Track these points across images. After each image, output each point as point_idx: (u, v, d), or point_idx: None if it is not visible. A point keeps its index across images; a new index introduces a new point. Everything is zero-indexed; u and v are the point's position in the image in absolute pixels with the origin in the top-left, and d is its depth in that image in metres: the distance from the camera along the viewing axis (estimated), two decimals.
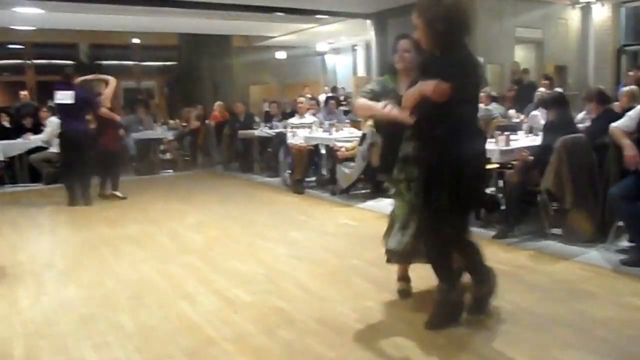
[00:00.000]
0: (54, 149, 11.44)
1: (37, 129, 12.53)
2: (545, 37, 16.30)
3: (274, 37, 20.49)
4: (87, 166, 9.62)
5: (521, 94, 12.52)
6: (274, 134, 12.08)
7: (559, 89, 10.58)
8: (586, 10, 16.22)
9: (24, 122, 13.01)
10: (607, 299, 4.50)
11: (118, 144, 10.43)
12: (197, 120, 14.73)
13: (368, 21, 16.67)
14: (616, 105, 7.20)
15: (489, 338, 3.83)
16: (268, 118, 13.48)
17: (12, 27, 17.15)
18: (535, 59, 16.59)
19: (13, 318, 4.64)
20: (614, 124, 5.58)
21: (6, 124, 13.16)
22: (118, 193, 10.08)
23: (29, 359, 3.88)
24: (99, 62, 19.47)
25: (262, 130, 12.64)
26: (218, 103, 15.70)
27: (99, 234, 7.50)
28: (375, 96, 4.25)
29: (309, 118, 10.98)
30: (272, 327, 4.21)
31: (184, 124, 15.27)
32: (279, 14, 15.93)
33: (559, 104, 6.28)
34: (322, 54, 24.31)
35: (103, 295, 5.12)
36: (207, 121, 15.16)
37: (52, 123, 11.80)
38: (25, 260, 6.42)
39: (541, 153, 6.07)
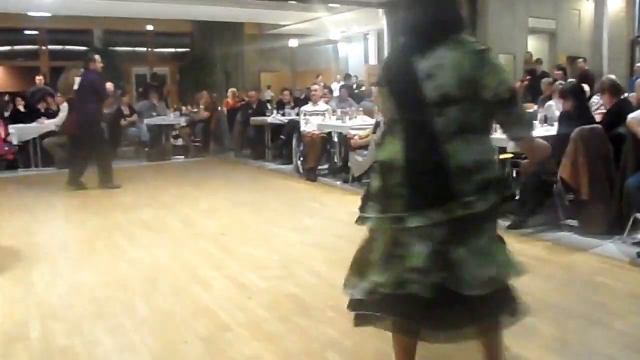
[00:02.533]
0: None
1: (51, 113, 12.59)
2: (559, 27, 16.24)
3: (287, 25, 20.44)
4: (83, 151, 9.68)
5: (534, 84, 12.45)
6: (286, 121, 12.05)
7: (571, 80, 10.52)
8: (600, 1, 16.10)
9: (38, 106, 13.07)
10: (624, 291, 4.48)
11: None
12: (206, 110, 14.71)
13: (380, 10, 16.61)
14: (632, 97, 7.15)
15: (505, 329, 3.81)
16: (280, 105, 13.45)
17: (28, 13, 17.19)
18: (548, 50, 16.52)
19: (29, 300, 4.67)
20: (631, 115, 5.53)
21: (21, 108, 13.21)
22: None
23: (45, 340, 3.90)
24: (112, 48, 19.50)
25: (275, 118, 12.61)
26: (231, 90, 15.72)
27: (112, 218, 7.52)
28: None
29: (322, 106, 10.95)
30: (286, 313, 4.21)
31: (195, 109, 15.22)
32: (291, 2, 15.90)
33: (575, 94, 6.23)
34: (334, 42, 24.22)
35: (117, 279, 5.14)
36: (218, 107, 15.17)
37: (66, 108, 11.85)
38: (39, 243, 6.45)
39: (557, 143, 6.02)
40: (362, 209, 2.80)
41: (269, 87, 20.04)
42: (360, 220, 2.76)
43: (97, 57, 9.67)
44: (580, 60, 13.83)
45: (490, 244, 2.68)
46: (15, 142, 11.90)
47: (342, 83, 17.17)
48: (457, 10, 2.73)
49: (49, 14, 17.33)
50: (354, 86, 17.41)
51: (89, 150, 9.54)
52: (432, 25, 2.66)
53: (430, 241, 2.57)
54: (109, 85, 10.18)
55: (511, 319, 2.85)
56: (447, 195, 2.55)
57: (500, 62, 2.73)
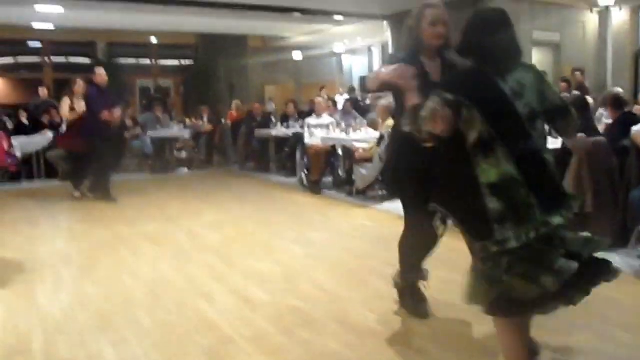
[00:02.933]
0: None
1: (54, 126, 12.60)
2: (563, 40, 16.18)
3: (290, 37, 20.49)
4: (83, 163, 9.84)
5: None
6: (290, 134, 12.06)
7: (576, 92, 10.51)
8: (604, 14, 16.04)
9: (42, 119, 13.09)
10: (629, 304, 4.46)
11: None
12: (209, 122, 14.73)
13: (385, 22, 16.62)
14: (637, 109, 7.15)
15: None
16: (285, 118, 13.47)
17: (31, 25, 17.24)
18: (552, 63, 16.47)
19: (32, 313, 4.66)
20: (635, 128, 5.53)
21: (24, 120, 13.23)
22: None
23: (48, 353, 3.88)
24: (116, 60, 19.54)
25: (279, 130, 12.62)
26: (235, 102, 15.75)
27: (116, 231, 7.51)
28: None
29: (326, 118, 10.95)
30: (290, 326, 4.19)
31: (199, 122, 15.23)
32: (295, 14, 15.92)
33: (579, 107, 6.20)
34: (338, 54, 24.25)
35: (120, 292, 5.13)
36: (222, 120, 15.20)
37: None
38: (42, 256, 6.43)
39: (561, 156, 6.01)
40: (488, 235, 2.83)
41: (270, 99, 20.07)
42: (500, 244, 2.79)
43: (97, 69, 9.69)
44: (578, 72, 13.84)
45: None
46: (18, 154, 11.89)
47: (346, 96, 17.13)
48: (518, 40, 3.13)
49: (52, 26, 17.37)
50: (359, 98, 17.38)
51: (89, 162, 9.63)
52: (511, 52, 3.05)
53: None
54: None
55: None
56: (561, 193, 2.98)
57: None
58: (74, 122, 9.72)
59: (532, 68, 3.07)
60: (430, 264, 5.26)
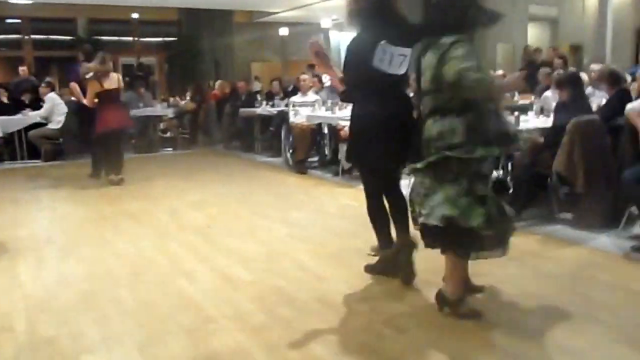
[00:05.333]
0: (53, 125, 11.36)
1: (35, 104, 12.41)
2: (561, 15, 15.81)
3: (277, 12, 20.23)
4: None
5: (533, 74, 12.21)
6: (275, 112, 11.92)
7: (572, 69, 10.36)
8: None
9: (22, 97, 12.90)
10: (615, 285, 4.39)
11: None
12: (192, 101, 14.54)
13: None
14: (633, 88, 7.06)
15: (493, 323, 3.74)
16: (270, 96, 13.31)
17: (9, 0, 16.91)
18: (549, 38, 16.16)
19: (14, 292, 4.62)
20: (629, 106, 5.42)
21: (4, 99, 13.01)
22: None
23: (31, 332, 3.85)
24: (97, 37, 19.18)
25: (264, 109, 12.48)
26: (219, 82, 15.54)
27: (99, 211, 7.44)
28: None
29: (311, 96, 10.82)
30: (271, 305, 4.16)
31: (183, 100, 15.04)
32: None
33: (572, 84, 6.07)
34: (325, 30, 23.93)
35: (102, 271, 5.07)
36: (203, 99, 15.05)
37: (51, 99, 11.69)
38: (25, 235, 6.37)
39: (552, 134, 5.92)
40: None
41: (256, 78, 19.81)
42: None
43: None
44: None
45: None
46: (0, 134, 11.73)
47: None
48: None
49: (31, 1, 16.99)
50: None
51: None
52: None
53: None
54: None
55: None
56: None
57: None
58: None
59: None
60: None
